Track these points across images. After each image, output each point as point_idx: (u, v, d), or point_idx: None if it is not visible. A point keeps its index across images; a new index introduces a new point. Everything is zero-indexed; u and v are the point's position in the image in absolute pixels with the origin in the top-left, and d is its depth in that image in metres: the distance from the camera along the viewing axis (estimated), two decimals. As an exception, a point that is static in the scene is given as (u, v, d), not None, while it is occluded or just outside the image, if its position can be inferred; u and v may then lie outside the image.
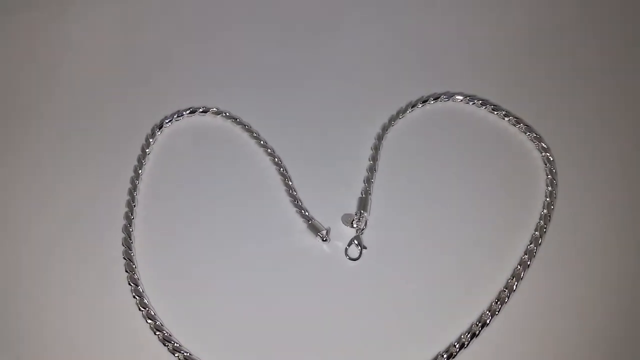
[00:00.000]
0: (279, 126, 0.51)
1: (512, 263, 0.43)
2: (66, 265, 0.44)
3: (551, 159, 0.47)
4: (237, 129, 0.51)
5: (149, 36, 0.58)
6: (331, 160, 0.49)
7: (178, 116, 0.51)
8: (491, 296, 0.42)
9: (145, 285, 0.43)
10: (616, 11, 0.56)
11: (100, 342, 0.41)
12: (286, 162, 0.49)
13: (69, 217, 0.46)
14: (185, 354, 0.40)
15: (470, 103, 0.51)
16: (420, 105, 0.51)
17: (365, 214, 0.45)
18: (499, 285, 0.42)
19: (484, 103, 0.50)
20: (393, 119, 0.50)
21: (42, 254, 0.45)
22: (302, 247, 0.44)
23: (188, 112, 0.51)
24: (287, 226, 0.45)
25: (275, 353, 0.41)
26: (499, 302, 0.41)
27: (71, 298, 0.43)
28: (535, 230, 0.44)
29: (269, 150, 0.49)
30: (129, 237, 0.45)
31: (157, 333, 0.41)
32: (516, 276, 0.42)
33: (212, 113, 0.51)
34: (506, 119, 0.50)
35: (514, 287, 0.41)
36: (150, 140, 0.50)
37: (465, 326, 0.41)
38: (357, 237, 0.44)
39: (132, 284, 0.43)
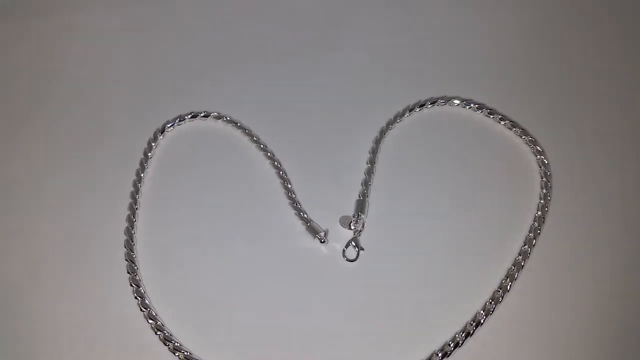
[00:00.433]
0: (278, 130, 0.51)
1: (506, 264, 0.43)
2: (69, 267, 0.45)
3: (546, 162, 0.47)
4: (238, 132, 0.51)
5: (151, 41, 0.59)
6: (330, 163, 0.49)
7: (180, 120, 0.52)
8: (485, 296, 0.42)
9: (147, 286, 0.44)
10: (611, 17, 0.57)
11: (101, 342, 0.42)
12: (285, 166, 0.49)
13: (71, 219, 0.47)
14: (185, 353, 0.41)
15: (467, 107, 0.51)
16: (417, 109, 0.52)
17: (363, 216, 0.45)
18: (493, 285, 0.42)
19: (480, 107, 0.51)
20: (391, 123, 0.51)
21: (45, 256, 0.46)
22: (301, 248, 0.45)
23: (190, 116, 0.52)
24: (286, 228, 0.46)
25: (275, 353, 0.41)
26: (493, 302, 0.41)
27: (73, 299, 0.43)
28: (530, 232, 0.44)
29: (268, 153, 0.50)
30: (131, 239, 0.46)
31: (158, 333, 0.41)
32: (510, 277, 0.42)
33: (213, 117, 0.52)
34: (502, 122, 0.50)
35: (508, 287, 0.42)
36: (153, 144, 0.51)
37: (459, 326, 0.41)
38: (354, 239, 0.45)
39: (134, 285, 0.43)
